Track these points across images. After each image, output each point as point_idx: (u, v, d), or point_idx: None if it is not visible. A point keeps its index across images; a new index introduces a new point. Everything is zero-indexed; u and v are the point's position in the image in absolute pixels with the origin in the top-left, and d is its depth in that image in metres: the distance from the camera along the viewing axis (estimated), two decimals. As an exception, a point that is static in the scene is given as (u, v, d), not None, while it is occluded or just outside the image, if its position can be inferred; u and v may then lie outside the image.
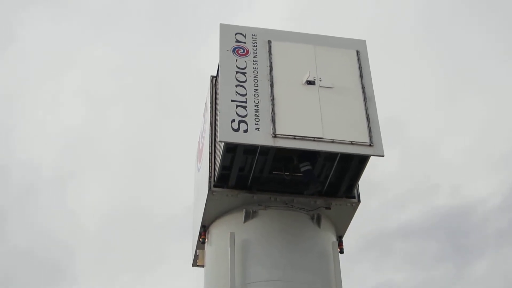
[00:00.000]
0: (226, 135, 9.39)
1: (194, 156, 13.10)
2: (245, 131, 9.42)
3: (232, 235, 10.02)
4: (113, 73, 32.17)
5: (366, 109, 9.96)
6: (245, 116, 9.57)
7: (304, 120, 9.65)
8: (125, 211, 29.93)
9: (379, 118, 9.89)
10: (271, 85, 9.99)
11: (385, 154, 9.60)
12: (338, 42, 10.86)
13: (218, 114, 9.75)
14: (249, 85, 9.97)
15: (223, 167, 10.06)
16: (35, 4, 31.25)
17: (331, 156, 9.97)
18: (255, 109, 9.66)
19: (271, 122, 9.52)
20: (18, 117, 31.38)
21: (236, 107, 9.65)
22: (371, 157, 9.84)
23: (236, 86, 9.93)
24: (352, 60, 10.60)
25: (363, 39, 10.99)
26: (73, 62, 32.16)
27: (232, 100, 9.73)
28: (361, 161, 10.06)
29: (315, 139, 9.46)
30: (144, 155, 30.47)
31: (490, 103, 29.05)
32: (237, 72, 10.10)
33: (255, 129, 9.45)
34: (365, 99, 10.08)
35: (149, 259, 28.97)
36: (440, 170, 28.56)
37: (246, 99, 9.79)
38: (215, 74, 11.40)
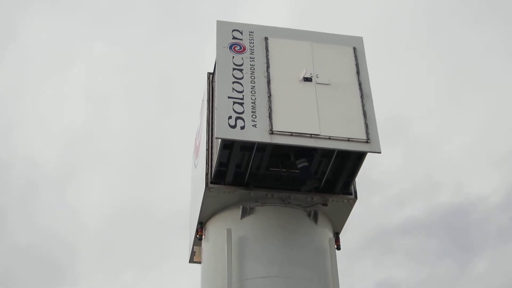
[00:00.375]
0: (223, 132, 9.40)
1: (191, 153, 13.11)
2: (242, 127, 9.43)
3: (229, 232, 10.03)
4: (115, 71, 32.24)
5: (363, 106, 9.98)
6: (242, 112, 9.58)
7: (301, 116, 9.66)
8: (126, 209, 29.94)
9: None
10: (268, 82, 10.00)
11: (383, 151, 9.63)
12: (335, 39, 10.87)
13: (215, 111, 9.76)
14: (246, 81, 9.98)
15: (220, 163, 10.07)
16: (37, 2, 31.25)
17: (328, 152, 9.97)
18: (252, 106, 9.67)
19: (268, 119, 9.53)
20: (20, 115, 31.38)
21: (233, 104, 9.66)
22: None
23: (233, 82, 9.93)
24: (349, 57, 10.61)
25: (360, 36, 11.00)
26: (75, 60, 32.19)
27: (229, 97, 9.74)
28: (358, 157, 10.07)
29: (312, 135, 9.47)
30: (146, 153, 30.48)
31: (492, 101, 29.13)
32: (234, 69, 10.11)
33: (252, 125, 9.46)
34: (362, 96, 10.10)
35: (150, 257, 28.97)
36: (442, 168, 28.64)
37: (243, 95, 9.80)
38: (212, 71, 11.40)
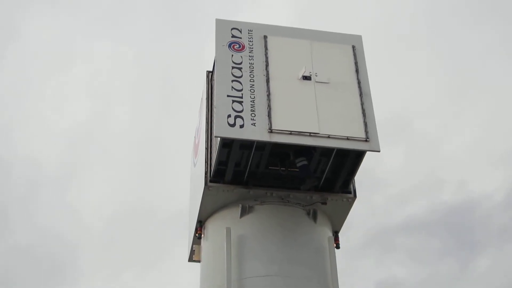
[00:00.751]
0: (222, 130, 9.40)
1: (190, 151, 13.10)
2: (241, 126, 9.43)
3: (228, 230, 10.03)
4: (116, 71, 32.18)
5: (362, 104, 9.98)
6: (241, 111, 9.57)
7: (300, 115, 9.66)
8: (127, 209, 29.90)
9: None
10: (267, 80, 10.00)
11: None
12: (334, 38, 10.87)
13: (214, 109, 9.75)
14: (245, 80, 9.97)
15: (219, 162, 10.06)
16: (37, 1, 31.23)
17: (327, 151, 9.97)
18: (251, 104, 9.67)
19: (267, 117, 9.53)
20: (21, 114, 31.29)
21: (232, 102, 9.65)
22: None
23: (232, 81, 9.93)
24: (348, 56, 10.61)
25: (359, 34, 11.00)
26: (75, 59, 32.15)
27: (228, 95, 9.73)
28: (357, 156, 10.07)
29: (311, 134, 9.47)
30: (146, 153, 30.41)
31: (494, 100, 29.10)
32: (233, 67, 10.10)
33: (251, 124, 9.45)
34: (361, 94, 10.10)
35: (151, 256, 28.92)
36: (444, 167, 28.64)
37: (242, 94, 9.79)
38: (211, 70, 11.39)
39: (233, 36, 10.51)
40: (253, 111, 9.60)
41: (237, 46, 10.41)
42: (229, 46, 10.38)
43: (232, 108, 9.59)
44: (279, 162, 10.33)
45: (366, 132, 9.67)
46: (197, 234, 10.96)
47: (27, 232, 29.01)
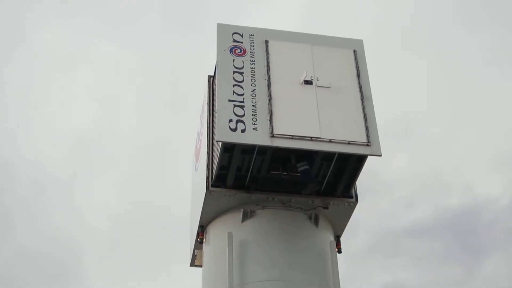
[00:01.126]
0: (224, 135, 9.39)
1: (192, 156, 13.10)
2: (243, 131, 9.43)
3: (230, 235, 10.02)
4: (123, 73, 32.20)
5: (364, 109, 9.97)
6: (243, 116, 9.57)
7: (302, 119, 9.66)
8: (132, 212, 29.89)
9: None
10: (269, 85, 9.99)
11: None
12: (335, 42, 10.87)
13: (216, 114, 9.75)
14: (246, 84, 9.97)
15: (220, 167, 10.05)
16: (45, 2, 31.26)
17: (328, 155, 9.97)
18: (252, 109, 9.67)
19: (268, 122, 9.52)
20: (26, 116, 31.32)
21: (234, 107, 9.65)
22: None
23: (234, 85, 9.93)
24: (349, 60, 10.61)
25: (360, 38, 11.00)
26: (80, 61, 32.18)
27: (229, 100, 9.73)
28: (358, 160, 10.06)
29: (313, 138, 9.47)
30: (152, 156, 30.42)
31: (497, 101, 29.10)
32: (234, 72, 10.10)
33: (253, 129, 9.45)
34: (362, 99, 10.09)
35: (156, 260, 28.92)
36: (449, 170, 28.63)
37: (243, 98, 9.79)
38: (213, 74, 11.39)
39: (234, 41, 10.52)
40: (254, 115, 9.60)
41: (239, 50, 10.42)
42: (231, 50, 10.39)
43: (234, 112, 9.58)
44: (280, 166, 10.33)
45: (368, 136, 9.67)
46: (198, 239, 10.95)
47: (32, 235, 29.08)
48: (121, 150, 31.21)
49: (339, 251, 10.75)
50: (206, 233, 10.88)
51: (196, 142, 12.66)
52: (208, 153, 10.66)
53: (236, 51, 10.40)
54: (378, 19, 29.52)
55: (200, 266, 11.27)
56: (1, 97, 30.77)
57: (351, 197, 10.65)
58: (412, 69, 29.42)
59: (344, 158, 10.02)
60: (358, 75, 10.39)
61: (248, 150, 9.78)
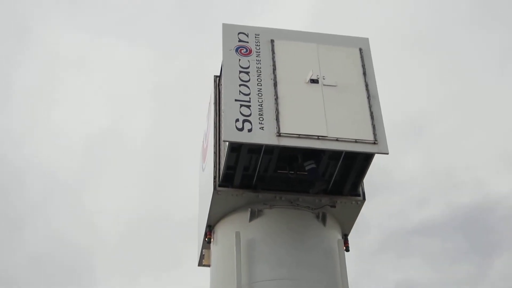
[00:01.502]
0: (231, 135, 9.41)
1: (199, 156, 13.12)
2: (249, 130, 9.44)
3: (237, 235, 10.04)
4: (133, 74, 32.19)
5: (370, 107, 9.97)
6: (249, 115, 9.58)
7: (308, 118, 9.66)
8: (143, 214, 29.84)
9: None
10: (275, 84, 10.00)
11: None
12: (341, 40, 10.87)
13: (222, 114, 9.76)
14: (252, 84, 9.98)
15: (227, 166, 10.07)
16: (57, 3, 31.32)
17: (335, 154, 9.97)
18: (259, 108, 9.68)
19: (275, 121, 9.53)
20: (36, 119, 31.34)
21: (240, 107, 9.66)
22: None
23: (240, 85, 9.94)
24: (355, 58, 10.61)
25: (366, 37, 11.00)
26: (89, 63, 32.23)
27: (236, 100, 9.74)
28: (365, 159, 10.06)
29: (320, 137, 9.47)
30: (163, 157, 30.39)
31: (509, 98, 28.98)
32: (240, 72, 10.11)
33: (259, 128, 9.46)
34: (368, 97, 10.09)
35: (168, 261, 28.92)
36: (461, 168, 28.55)
37: (250, 98, 9.80)
38: (219, 74, 11.41)
39: (240, 41, 10.53)
40: (261, 115, 9.60)
41: (244, 50, 10.43)
42: (236, 50, 10.40)
43: (240, 112, 9.59)
44: (287, 165, 10.33)
45: (375, 134, 9.66)
46: (206, 239, 10.97)
47: (42, 238, 29.10)
48: (131, 151, 31.20)
49: (347, 250, 10.74)
50: (213, 232, 10.89)
51: (202, 142, 12.68)
52: (215, 153, 10.68)
53: (242, 51, 10.42)
54: (386, 17, 29.51)
55: (208, 265, 11.29)
56: (10, 100, 30.88)
57: (359, 195, 10.64)
58: (420, 68, 29.38)
59: (351, 156, 10.01)
60: (364, 74, 10.39)
61: (255, 149, 9.79)
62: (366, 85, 10.23)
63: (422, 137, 28.62)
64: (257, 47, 10.50)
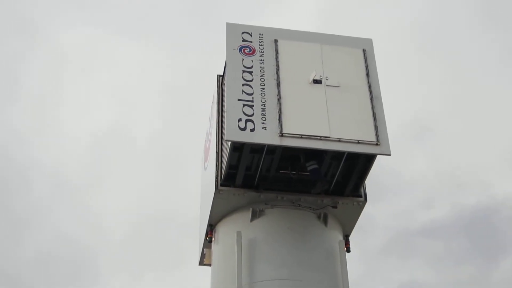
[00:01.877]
0: (233, 134, 9.41)
1: (201, 155, 13.12)
2: (252, 130, 9.44)
3: (239, 234, 10.04)
4: (141, 75, 32.19)
5: (373, 108, 9.96)
6: (252, 115, 9.58)
7: (311, 119, 9.66)
8: (148, 214, 29.77)
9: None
10: (278, 84, 10.00)
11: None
12: (344, 41, 10.86)
13: (225, 113, 9.77)
14: (255, 84, 9.98)
15: (230, 166, 10.08)
16: (66, 4, 31.33)
17: (337, 155, 9.97)
18: (261, 108, 9.68)
19: (277, 121, 9.53)
20: (42, 119, 31.31)
21: (243, 106, 9.66)
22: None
23: (243, 85, 9.94)
24: (359, 59, 10.61)
25: (370, 37, 11.00)
26: (96, 63, 32.24)
27: (239, 99, 9.75)
28: (368, 160, 10.06)
29: (322, 138, 9.47)
30: (168, 157, 30.37)
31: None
32: (243, 71, 10.11)
33: (262, 128, 9.46)
34: (371, 98, 10.09)
35: (172, 260, 28.90)
36: (467, 169, 28.52)
37: (252, 98, 9.80)
38: (222, 73, 11.41)
39: (243, 40, 10.53)
40: (263, 115, 9.61)
41: (248, 50, 10.43)
42: (240, 50, 10.40)
43: (243, 112, 9.59)
44: (289, 165, 10.33)
45: (377, 135, 9.66)
46: (207, 238, 10.98)
47: (47, 238, 29.09)
48: (136, 151, 31.15)
49: (348, 250, 10.74)
50: (215, 232, 10.89)
51: (205, 141, 12.69)
52: (217, 152, 10.67)
53: (246, 51, 10.41)
54: (391, 18, 29.50)
55: (209, 265, 11.29)
56: (16, 99, 30.88)
57: (360, 196, 10.64)
58: (425, 69, 29.36)
59: (353, 157, 10.01)
60: (368, 74, 10.38)
61: (257, 149, 9.80)
62: (369, 86, 10.23)
63: (427, 138, 28.64)
64: (261, 47, 10.50)
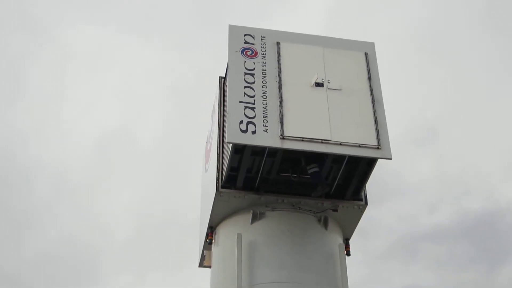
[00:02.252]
0: (234, 136, 9.41)
1: (202, 157, 13.12)
2: (253, 132, 9.44)
3: (239, 236, 10.04)
4: (147, 75, 32.19)
5: (374, 112, 9.97)
6: (253, 117, 9.59)
7: (312, 122, 9.66)
8: (152, 214, 29.78)
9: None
10: (280, 87, 10.01)
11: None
12: (346, 45, 10.87)
13: (226, 115, 9.77)
14: (257, 86, 9.99)
15: (231, 168, 10.08)
16: (71, 2, 31.34)
17: (338, 158, 9.97)
18: (263, 111, 9.68)
19: (279, 124, 9.54)
20: (45, 118, 31.31)
21: (245, 108, 9.67)
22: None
23: (245, 87, 9.95)
24: (361, 63, 10.61)
25: (372, 41, 11.00)
26: (101, 63, 32.23)
27: (240, 101, 9.75)
28: (368, 163, 10.06)
29: (323, 141, 9.47)
30: (172, 158, 30.35)
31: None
32: (245, 74, 10.12)
33: (263, 130, 9.46)
34: (373, 102, 10.09)
35: (176, 261, 28.90)
36: (472, 174, 28.50)
37: (254, 100, 9.81)
38: (224, 75, 11.42)
39: (246, 42, 10.53)
40: (265, 117, 9.61)
41: (250, 52, 10.43)
42: (242, 52, 10.40)
43: (245, 114, 9.60)
44: (290, 168, 10.33)
45: (378, 139, 9.66)
46: (208, 240, 10.98)
47: (50, 239, 29.10)
48: (140, 152, 31.14)
49: (348, 254, 10.74)
50: (215, 234, 10.89)
51: (206, 143, 12.69)
52: (218, 154, 10.68)
53: (248, 53, 10.42)
54: (395, 22, 29.49)
55: (209, 267, 11.29)
56: (20, 98, 30.89)
57: (361, 200, 10.64)
58: (430, 73, 29.33)
59: (354, 161, 10.02)
60: (369, 78, 10.39)
61: (258, 151, 9.80)
62: (371, 90, 10.24)
63: (432, 142, 28.64)
64: (263, 49, 10.50)
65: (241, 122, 9.50)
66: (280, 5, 30.89)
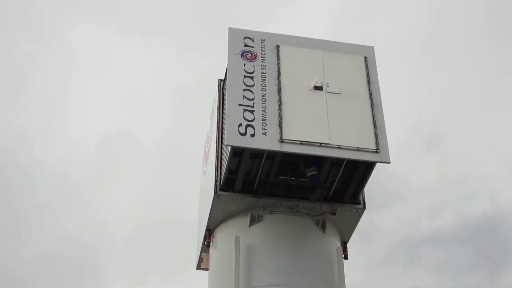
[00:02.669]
0: (233, 139, 9.41)
1: (201, 159, 13.12)
2: (252, 135, 9.45)
3: (237, 239, 10.03)
4: (151, 76, 32.17)
5: (373, 116, 9.97)
6: (252, 120, 9.59)
7: (311, 125, 9.67)
8: (152, 216, 29.72)
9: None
10: (279, 90, 10.01)
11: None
12: (346, 48, 10.87)
13: (226, 118, 9.78)
14: (257, 89, 9.99)
15: (229, 170, 10.08)
16: (75, 4, 31.35)
17: (337, 162, 9.97)
18: (262, 114, 9.69)
19: (278, 127, 9.54)
20: (47, 119, 31.25)
21: (244, 111, 9.67)
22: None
23: (244, 90, 9.95)
24: (360, 66, 10.62)
25: (371, 45, 11.01)
26: (103, 64, 32.21)
27: (239, 104, 9.76)
28: (367, 167, 10.07)
29: (322, 144, 9.47)
30: (174, 159, 30.31)
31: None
32: (245, 76, 10.12)
33: (262, 133, 9.47)
34: (372, 106, 10.10)
35: (176, 263, 28.81)
36: (474, 178, 28.47)
37: (253, 103, 9.81)
38: (223, 78, 11.42)
39: (245, 45, 10.54)
40: (264, 120, 9.62)
41: (250, 55, 10.44)
42: (242, 55, 10.41)
43: (244, 117, 9.60)
44: (289, 171, 10.33)
45: (377, 143, 9.67)
46: (205, 242, 10.97)
47: (52, 239, 29.06)
48: (142, 153, 31.09)
49: (346, 257, 10.73)
50: (213, 236, 10.89)
51: (205, 145, 12.69)
52: (217, 157, 10.67)
53: (247, 56, 10.43)
54: (398, 25, 29.52)
55: (207, 269, 11.28)
56: (22, 98, 30.86)
57: (359, 203, 10.64)
58: (435, 77, 29.33)
59: (353, 164, 10.02)
60: (369, 82, 10.39)
61: (257, 154, 9.80)
62: (370, 94, 10.24)
63: (435, 146, 28.64)
64: (263, 52, 10.51)
65: (240, 125, 9.50)
66: (283, 8, 30.92)
